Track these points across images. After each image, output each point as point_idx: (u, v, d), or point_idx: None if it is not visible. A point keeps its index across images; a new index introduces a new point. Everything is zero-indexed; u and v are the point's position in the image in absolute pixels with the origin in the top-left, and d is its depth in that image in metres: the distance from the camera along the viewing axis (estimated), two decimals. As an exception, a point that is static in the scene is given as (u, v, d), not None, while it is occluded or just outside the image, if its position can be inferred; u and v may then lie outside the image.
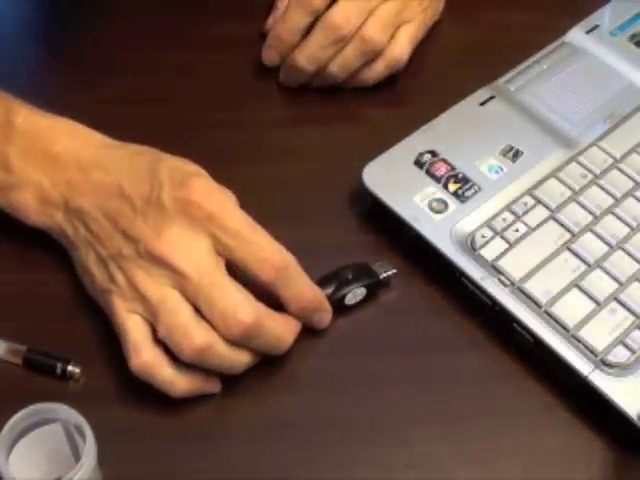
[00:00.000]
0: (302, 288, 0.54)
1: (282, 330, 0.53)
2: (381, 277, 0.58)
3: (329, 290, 0.57)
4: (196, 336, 0.51)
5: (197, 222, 0.52)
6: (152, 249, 0.51)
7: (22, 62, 0.69)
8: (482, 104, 0.66)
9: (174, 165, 0.54)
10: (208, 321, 0.51)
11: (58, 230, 0.56)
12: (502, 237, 0.59)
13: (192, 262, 0.51)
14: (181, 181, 0.52)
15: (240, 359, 0.53)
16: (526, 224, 0.60)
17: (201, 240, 0.52)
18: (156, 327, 0.51)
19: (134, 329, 0.52)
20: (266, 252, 0.53)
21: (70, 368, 0.54)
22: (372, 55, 0.66)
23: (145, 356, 0.51)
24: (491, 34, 0.73)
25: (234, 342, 0.52)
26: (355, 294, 0.58)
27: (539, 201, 0.61)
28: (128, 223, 0.52)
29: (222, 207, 0.52)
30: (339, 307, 0.57)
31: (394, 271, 0.59)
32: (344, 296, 0.57)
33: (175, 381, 0.52)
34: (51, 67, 0.70)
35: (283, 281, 0.53)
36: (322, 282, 0.57)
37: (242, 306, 0.51)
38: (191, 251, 0.51)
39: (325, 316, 0.56)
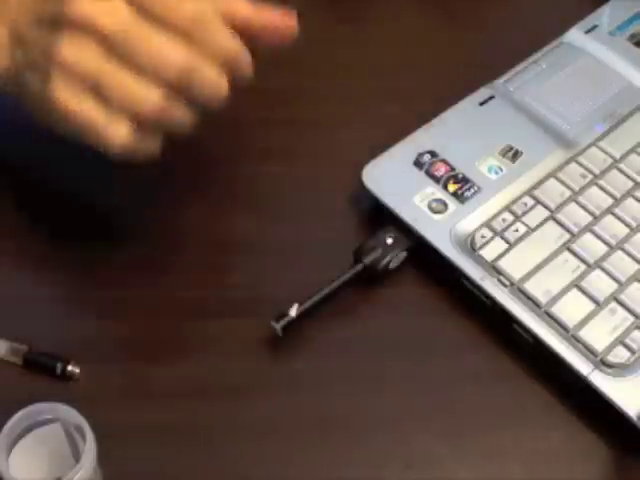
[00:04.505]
0: (221, 38, 0.50)
1: (217, 74, 0.50)
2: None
3: (376, 255, 0.57)
4: (150, 96, 0.48)
5: None
6: (72, 13, 0.47)
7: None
8: (482, 104, 0.66)
9: None
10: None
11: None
12: (502, 237, 0.59)
13: (112, 16, 0.47)
14: None
15: (186, 115, 0.50)
16: (526, 224, 0.60)
17: None
18: (107, 98, 0.48)
19: (90, 109, 0.48)
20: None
21: (70, 368, 0.54)
22: None
23: (123, 129, 0.48)
24: (491, 34, 0.73)
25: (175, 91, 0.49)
26: (398, 258, 0.58)
27: (539, 201, 0.61)
28: (41, 9, 0.48)
29: None
30: (385, 273, 0.58)
31: None
32: (388, 263, 0.58)
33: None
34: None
35: (200, 33, 0.49)
36: (366, 250, 0.57)
37: (172, 47, 0.48)
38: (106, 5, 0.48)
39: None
